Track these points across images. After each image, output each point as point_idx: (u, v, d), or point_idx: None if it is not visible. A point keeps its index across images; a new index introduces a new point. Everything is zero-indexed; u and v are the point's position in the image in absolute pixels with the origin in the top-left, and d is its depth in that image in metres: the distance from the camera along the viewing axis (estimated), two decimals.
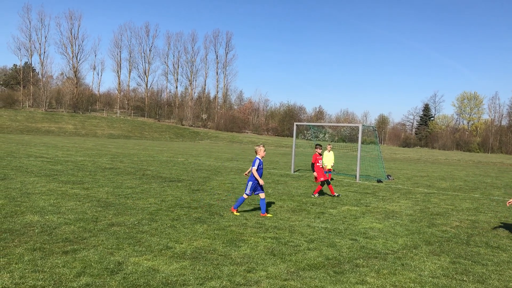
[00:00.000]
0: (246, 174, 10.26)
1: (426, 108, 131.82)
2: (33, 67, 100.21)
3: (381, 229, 9.17)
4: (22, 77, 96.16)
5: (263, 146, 10.31)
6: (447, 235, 8.95)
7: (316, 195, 13.64)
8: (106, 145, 43.00)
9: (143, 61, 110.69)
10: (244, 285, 5.38)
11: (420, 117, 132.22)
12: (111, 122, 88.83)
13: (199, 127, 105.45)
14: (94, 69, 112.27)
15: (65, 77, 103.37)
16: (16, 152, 25.77)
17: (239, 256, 6.56)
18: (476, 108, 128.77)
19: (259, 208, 10.34)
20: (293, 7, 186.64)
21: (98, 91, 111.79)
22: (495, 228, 9.94)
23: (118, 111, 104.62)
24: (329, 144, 20.26)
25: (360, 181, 19.30)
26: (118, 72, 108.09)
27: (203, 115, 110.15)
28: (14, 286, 4.97)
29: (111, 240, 7.09)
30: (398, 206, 12.57)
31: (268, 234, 8.07)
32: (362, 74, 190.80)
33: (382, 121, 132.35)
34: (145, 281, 5.34)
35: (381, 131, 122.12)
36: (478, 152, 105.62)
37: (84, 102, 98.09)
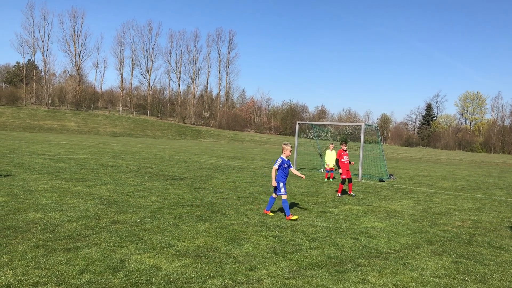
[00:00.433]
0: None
1: (429, 108, 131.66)
2: (36, 64, 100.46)
3: (383, 228, 9.17)
4: (25, 74, 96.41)
5: (290, 146, 9.99)
6: (449, 235, 8.94)
7: (339, 194, 13.65)
8: (108, 143, 43.07)
9: (146, 59, 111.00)
10: (246, 284, 5.39)
11: (423, 116, 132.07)
12: (113, 120, 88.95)
13: (201, 125, 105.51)
14: (96, 67, 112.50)
15: (68, 74, 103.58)
16: (19, 150, 25.83)
17: (241, 255, 6.57)
18: (479, 108, 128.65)
19: (264, 207, 10.34)
20: (296, 6, 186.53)
21: (101, 89, 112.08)
22: (497, 228, 9.93)
23: (121, 109, 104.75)
24: (331, 143, 20.25)
25: (362, 180, 19.29)
26: (120, 70, 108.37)
27: (205, 114, 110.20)
28: (17, 283, 4.99)
29: (113, 237, 7.11)
30: (400, 205, 12.57)
31: (270, 233, 8.08)
32: (364, 73, 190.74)
33: (385, 121, 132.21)
34: (147, 278, 5.36)
35: (383, 131, 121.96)
36: (480, 152, 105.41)
37: (86, 100, 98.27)
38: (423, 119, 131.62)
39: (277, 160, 9.88)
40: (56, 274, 5.31)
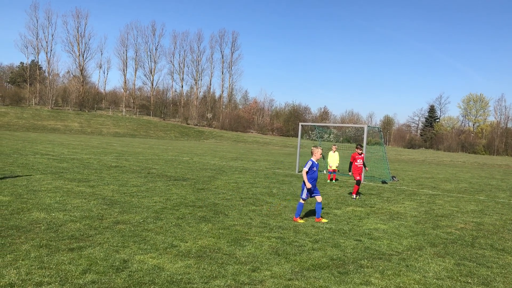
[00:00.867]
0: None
1: (432, 110, 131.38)
2: (39, 65, 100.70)
3: (386, 230, 9.16)
4: (28, 74, 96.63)
5: (321, 148, 9.78)
6: (452, 237, 8.93)
7: (354, 196, 13.58)
8: (111, 143, 43.16)
9: (149, 60, 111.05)
10: (248, 285, 5.40)
11: (426, 118, 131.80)
12: (116, 121, 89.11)
13: (204, 126, 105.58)
14: (100, 67, 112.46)
15: (71, 75, 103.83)
16: (23, 150, 25.92)
17: (244, 256, 6.59)
18: (482, 110, 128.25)
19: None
20: (299, 7, 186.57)
21: (104, 90, 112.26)
22: (500, 230, 9.90)
23: (124, 110, 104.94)
24: (334, 145, 20.24)
25: (364, 182, 19.27)
26: (124, 71, 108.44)
27: (208, 115, 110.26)
28: (20, 282, 5.02)
29: (116, 238, 7.14)
30: (402, 207, 12.55)
31: (272, 234, 8.09)
32: (367, 75, 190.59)
33: (387, 122, 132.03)
34: (150, 279, 5.38)
35: (386, 132, 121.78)
36: (483, 154, 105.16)
37: (90, 100, 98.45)
38: (426, 121, 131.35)
39: (307, 163, 9.59)
40: (59, 274, 5.34)
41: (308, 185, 9.41)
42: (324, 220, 9.62)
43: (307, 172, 9.50)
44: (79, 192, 11.58)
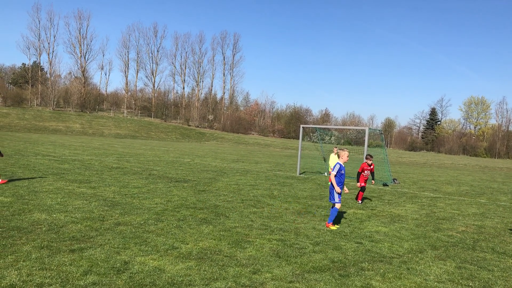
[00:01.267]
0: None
1: (433, 112, 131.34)
2: (41, 66, 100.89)
3: (387, 232, 9.15)
4: (30, 75, 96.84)
5: (348, 151, 9.59)
6: (453, 240, 8.92)
7: (360, 201, 13.35)
8: (113, 145, 43.19)
9: (151, 62, 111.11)
10: (249, 287, 5.40)
11: (427, 121, 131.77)
12: (118, 122, 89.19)
13: (205, 128, 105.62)
14: (102, 69, 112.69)
15: (73, 76, 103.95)
16: (24, 151, 25.95)
17: (245, 258, 6.58)
18: (483, 113, 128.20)
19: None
20: (300, 10, 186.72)
21: (106, 91, 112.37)
22: (501, 233, 9.89)
23: (125, 111, 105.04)
24: (335, 147, 20.24)
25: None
26: (125, 72, 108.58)
27: (210, 116, 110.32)
28: (21, 283, 5.02)
29: (117, 239, 7.14)
30: (404, 210, 12.54)
31: (273, 236, 8.09)
32: (368, 77, 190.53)
33: (389, 125, 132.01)
34: (151, 280, 5.38)
35: (387, 135, 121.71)
36: (484, 157, 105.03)
37: (91, 101, 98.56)
38: (427, 123, 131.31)
39: (334, 166, 9.38)
40: (60, 275, 5.34)
41: (338, 190, 9.20)
42: (335, 227, 9.22)
43: (335, 176, 9.29)
44: (80, 193, 11.59)
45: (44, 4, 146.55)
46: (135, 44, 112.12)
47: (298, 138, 24.61)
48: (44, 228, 7.53)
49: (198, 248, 6.92)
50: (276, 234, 8.26)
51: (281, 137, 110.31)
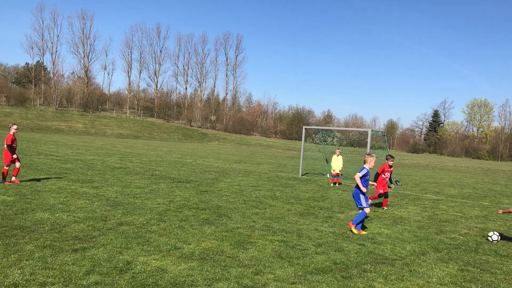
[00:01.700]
0: (371, 184, 9.31)
1: (436, 114, 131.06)
2: (44, 65, 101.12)
3: (389, 234, 9.14)
4: (33, 75, 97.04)
5: (375, 157, 9.40)
6: (456, 242, 8.90)
7: (370, 201, 12.78)
8: (115, 145, 43.25)
9: (154, 62, 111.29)
10: (251, 287, 5.40)
11: (430, 123, 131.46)
12: (120, 122, 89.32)
13: (207, 128, 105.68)
14: (105, 69, 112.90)
15: (76, 76, 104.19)
16: (27, 150, 26.00)
17: (247, 258, 6.58)
18: (486, 115, 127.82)
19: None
20: (303, 11, 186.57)
21: (109, 91, 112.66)
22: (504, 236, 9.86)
23: (128, 111, 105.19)
24: (338, 148, 20.22)
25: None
26: (128, 73, 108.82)
27: (212, 117, 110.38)
28: (24, 282, 5.03)
29: (120, 239, 7.15)
30: (406, 212, 12.52)
31: (275, 237, 8.09)
32: (371, 79, 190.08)
33: (391, 126, 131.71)
34: (153, 280, 5.38)
35: (389, 137, 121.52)
36: (487, 159, 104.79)
37: (94, 101, 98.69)
38: (430, 125, 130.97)
39: (362, 169, 9.24)
40: (63, 274, 5.35)
41: (364, 189, 9.06)
42: (364, 232, 9.04)
43: (360, 178, 9.16)
44: (82, 193, 11.61)
45: (48, 4, 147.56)
46: (138, 44, 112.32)
47: (300, 139, 24.60)
48: (47, 228, 7.54)
49: (201, 249, 6.92)
50: (278, 235, 8.26)
51: (283, 138, 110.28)
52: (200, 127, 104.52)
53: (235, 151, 51.81)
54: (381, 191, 12.83)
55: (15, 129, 12.77)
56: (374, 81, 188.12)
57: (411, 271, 6.57)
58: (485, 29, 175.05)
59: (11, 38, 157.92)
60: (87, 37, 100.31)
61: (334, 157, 19.71)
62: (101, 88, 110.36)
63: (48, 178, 14.04)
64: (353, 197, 9.34)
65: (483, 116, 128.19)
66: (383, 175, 12.92)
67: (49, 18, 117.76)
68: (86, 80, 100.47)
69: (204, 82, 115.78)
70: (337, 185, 18.81)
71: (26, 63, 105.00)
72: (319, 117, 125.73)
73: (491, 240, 9.18)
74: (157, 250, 6.67)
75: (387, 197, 12.84)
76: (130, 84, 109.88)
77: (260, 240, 7.75)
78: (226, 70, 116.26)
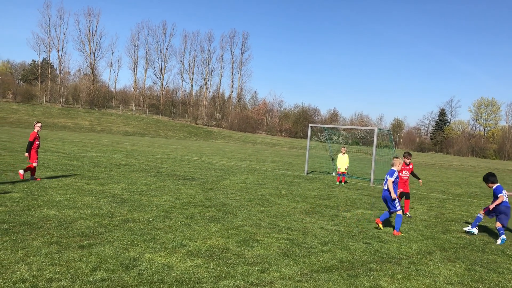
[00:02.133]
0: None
1: (442, 113, 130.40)
2: (51, 63, 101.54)
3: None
4: (40, 72, 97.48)
5: (401, 160, 9.36)
6: (462, 241, 8.86)
7: (408, 213, 12.23)
8: (121, 142, 43.38)
9: (160, 60, 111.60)
10: (257, 285, 5.40)
11: (436, 122, 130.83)
12: (126, 119, 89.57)
13: (213, 126, 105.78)
14: (111, 66, 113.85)
15: (82, 73, 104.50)
16: None
17: (253, 256, 6.58)
18: (493, 114, 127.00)
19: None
20: (309, 10, 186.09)
21: (114, 88, 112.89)
22: (511, 236, 9.80)
23: (134, 109, 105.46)
24: (344, 147, 20.16)
25: (374, 185, 19.19)
26: (134, 70, 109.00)
27: (217, 115, 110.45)
28: (32, 278, 5.05)
29: (126, 236, 7.17)
30: (412, 211, 12.47)
31: (281, 235, 8.08)
32: (377, 77, 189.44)
33: (397, 125, 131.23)
34: (159, 277, 5.39)
35: (396, 135, 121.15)
36: (494, 159, 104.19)
37: (100, 99, 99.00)
38: (436, 124, 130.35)
39: (393, 173, 9.31)
40: (70, 271, 5.37)
41: (394, 196, 9.16)
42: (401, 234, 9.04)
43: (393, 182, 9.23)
44: (89, 190, 11.65)
45: (55, 2, 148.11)
46: (144, 42, 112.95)
47: (306, 138, 24.55)
48: (53, 224, 7.58)
49: (206, 246, 6.93)
50: (284, 233, 8.25)
51: (289, 137, 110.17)
52: (206, 125, 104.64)
53: (241, 149, 51.82)
54: (407, 191, 12.00)
55: (39, 127, 12.98)
56: (380, 80, 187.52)
57: (417, 270, 6.54)
58: (493, 27, 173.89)
59: (18, 36, 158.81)
60: (93, 35, 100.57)
61: (340, 155, 19.66)
62: (107, 85, 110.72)
63: (54, 175, 14.10)
64: (385, 202, 9.42)
65: (490, 115, 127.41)
66: (401, 174, 12.12)
67: (55, 16, 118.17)
68: (92, 78, 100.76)
69: (209, 80, 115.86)
70: (343, 183, 18.77)
71: (33, 60, 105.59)
72: (324, 116, 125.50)
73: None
74: (163, 247, 6.68)
75: (408, 198, 11.88)
76: (136, 81, 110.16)
77: (266, 238, 7.75)
78: (232, 68, 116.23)
